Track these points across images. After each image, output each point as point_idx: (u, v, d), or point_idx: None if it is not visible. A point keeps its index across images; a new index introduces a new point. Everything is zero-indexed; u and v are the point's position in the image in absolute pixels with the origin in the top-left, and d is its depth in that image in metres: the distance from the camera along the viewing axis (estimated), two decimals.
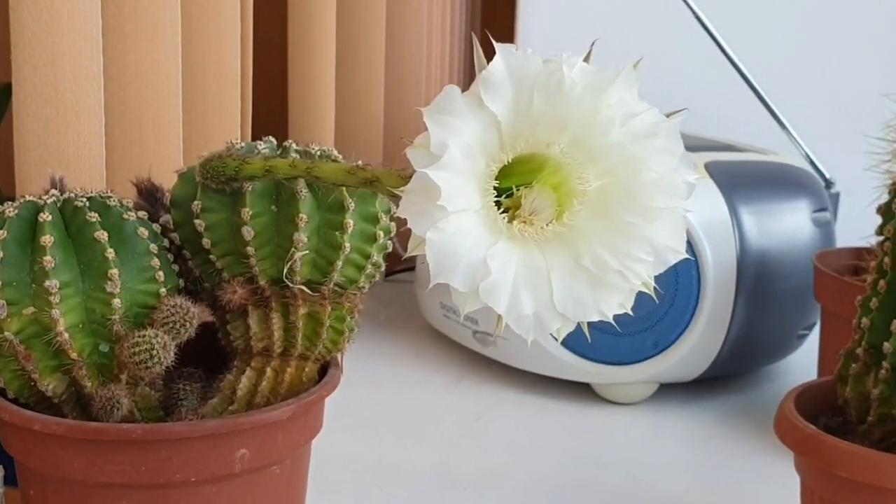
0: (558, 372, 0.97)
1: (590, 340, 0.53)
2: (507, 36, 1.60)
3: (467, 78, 1.64)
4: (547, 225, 0.47)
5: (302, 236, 0.58)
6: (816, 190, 1.04)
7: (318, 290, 0.60)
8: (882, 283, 0.65)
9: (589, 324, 0.49)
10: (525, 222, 0.47)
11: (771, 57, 1.64)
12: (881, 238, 0.66)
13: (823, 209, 1.02)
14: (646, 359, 0.94)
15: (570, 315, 0.47)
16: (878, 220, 0.68)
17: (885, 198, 0.68)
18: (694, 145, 1.04)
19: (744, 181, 0.98)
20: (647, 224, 0.47)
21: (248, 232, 0.58)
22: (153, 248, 0.58)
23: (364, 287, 0.63)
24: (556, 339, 0.92)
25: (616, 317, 0.48)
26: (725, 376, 1.02)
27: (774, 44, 1.68)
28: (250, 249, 0.58)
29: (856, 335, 0.66)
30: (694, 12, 1.18)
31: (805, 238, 0.99)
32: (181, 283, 0.60)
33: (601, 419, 0.94)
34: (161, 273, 0.58)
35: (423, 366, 1.06)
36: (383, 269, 0.64)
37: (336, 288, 0.61)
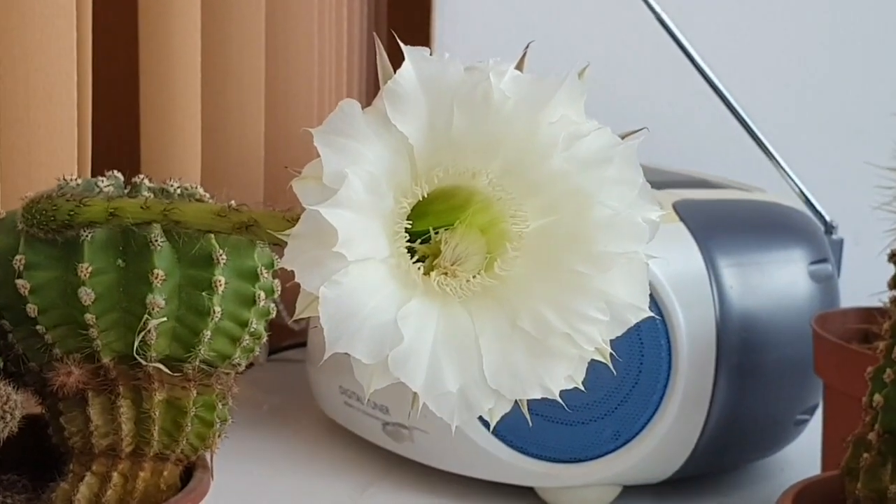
0: (494, 473, 0.97)
1: (531, 425, 0.53)
2: (421, 37, 1.62)
3: (370, 91, 1.65)
4: (474, 277, 0.48)
5: (158, 299, 0.58)
6: (814, 236, 1.07)
7: (180, 370, 0.60)
8: None
9: (530, 407, 0.50)
10: (446, 274, 0.48)
11: (754, 70, 1.68)
12: (894, 292, 0.68)
13: (823, 260, 1.04)
14: (604, 454, 0.95)
15: (505, 391, 0.47)
16: (891, 269, 0.69)
17: None
18: (659, 180, 1.06)
19: (723, 225, 1.00)
20: (599, 274, 0.48)
21: (86, 294, 0.57)
22: None
23: (240, 365, 0.63)
24: (487, 428, 0.93)
25: (566, 400, 0.49)
26: (705, 475, 1.03)
27: (758, 53, 1.73)
28: (90, 317, 0.58)
29: (867, 417, 0.68)
30: (654, 11, 1.21)
31: (801, 296, 1.01)
32: None
33: None
34: None
35: (318, 468, 1.06)
36: (265, 341, 0.64)
37: (203, 366, 0.60)
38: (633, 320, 0.49)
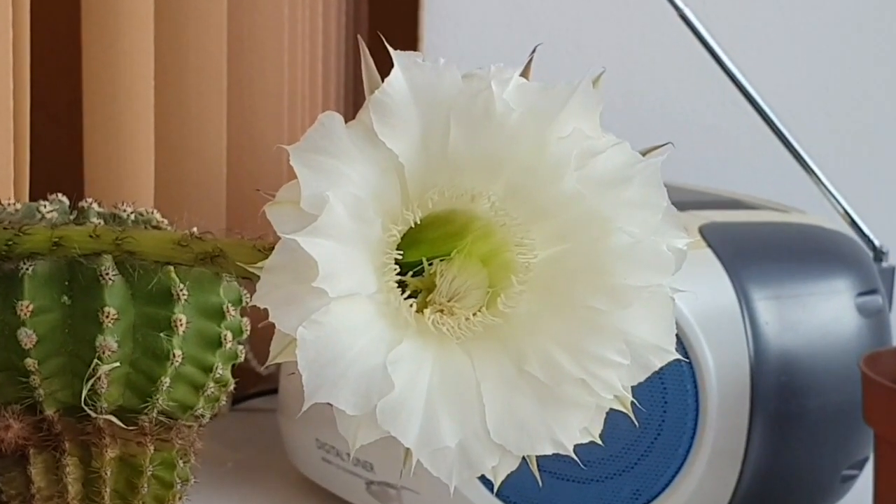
0: None
1: (541, 486, 0.54)
2: (407, 37, 1.61)
3: (350, 101, 1.64)
4: (474, 314, 0.48)
5: (109, 341, 0.58)
6: (861, 264, 1.07)
7: (135, 422, 0.60)
8: None
9: (539, 463, 0.50)
10: (442, 311, 0.48)
11: (791, 74, 1.69)
12: None
13: (873, 291, 1.05)
14: None
15: (510, 446, 0.47)
16: None
17: None
18: (684, 201, 1.06)
19: (757, 252, 1.01)
20: (618, 310, 0.48)
21: (27, 336, 0.58)
22: None
23: (203, 416, 0.63)
24: (490, 490, 0.93)
25: (580, 452, 0.49)
26: None
27: (795, 55, 1.73)
28: (31, 363, 0.58)
29: None
30: (676, 7, 1.21)
31: (848, 333, 1.01)
32: None
33: None
34: None
35: None
36: (232, 388, 0.64)
37: (162, 418, 0.61)
38: (658, 364, 0.49)
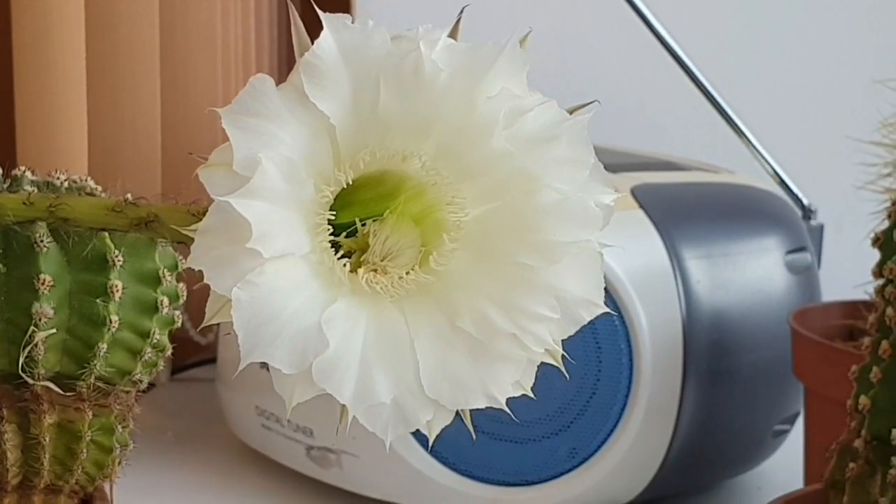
0: (434, 501, 0.97)
1: (474, 441, 0.54)
2: (341, 5, 1.61)
3: (284, 65, 1.64)
4: (407, 273, 0.49)
5: (45, 308, 0.58)
6: (791, 222, 1.08)
7: (73, 388, 0.60)
8: (885, 344, 0.67)
9: (476, 425, 0.51)
10: (376, 270, 0.48)
11: (719, 36, 1.70)
12: (881, 281, 0.69)
13: (801, 249, 1.06)
14: (560, 475, 0.96)
15: (444, 400, 0.48)
16: (877, 256, 0.71)
17: (885, 225, 0.71)
18: (615, 163, 1.07)
19: (688, 212, 1.01)
20: (547, 266, 0.49)
21: None
22: None
23: (142, 382, 0.63)
24: (426, 449, 0.93)
25: (515, 414, 0.49)
26: (674, 496, 1.04)
27: (723, 16, 1.74)
28: None
29: (852, 422, 0.69)
30: None
31: (777, 290, 1.03)
32: None
33: None
34: None
35: (233, 501, 1.06)
36: (169, 355, 0.64)
37: (100, 384, 0.60)
38: (587, 317, 0.50)
